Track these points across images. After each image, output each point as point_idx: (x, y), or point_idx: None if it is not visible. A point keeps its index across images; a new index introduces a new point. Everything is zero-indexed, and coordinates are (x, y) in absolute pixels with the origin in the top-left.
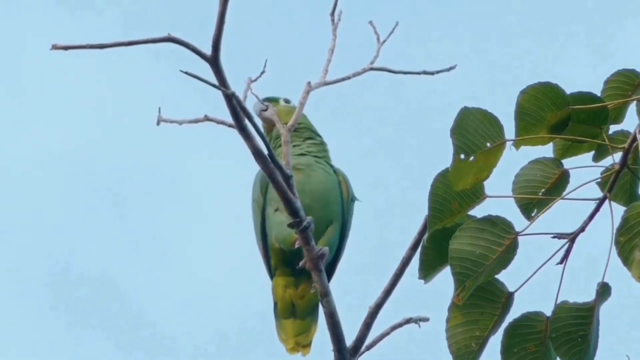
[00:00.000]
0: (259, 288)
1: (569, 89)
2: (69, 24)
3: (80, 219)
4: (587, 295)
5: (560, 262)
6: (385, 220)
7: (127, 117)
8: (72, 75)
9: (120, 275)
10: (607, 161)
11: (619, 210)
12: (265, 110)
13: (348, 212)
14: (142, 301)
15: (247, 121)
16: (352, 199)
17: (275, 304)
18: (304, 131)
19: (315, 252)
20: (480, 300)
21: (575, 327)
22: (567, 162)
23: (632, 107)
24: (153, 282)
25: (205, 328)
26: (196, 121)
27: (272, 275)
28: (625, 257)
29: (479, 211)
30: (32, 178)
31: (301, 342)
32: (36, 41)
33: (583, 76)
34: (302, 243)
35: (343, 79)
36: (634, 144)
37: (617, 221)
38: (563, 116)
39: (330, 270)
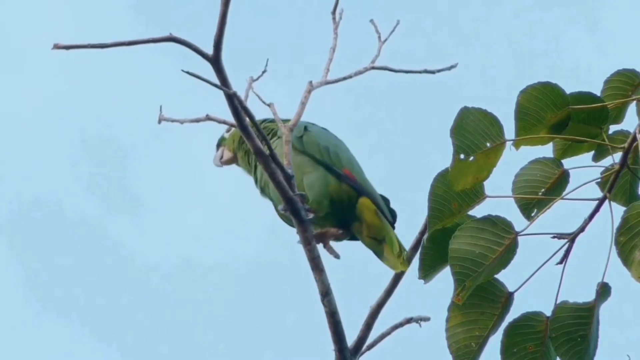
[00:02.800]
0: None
1: (569, 86)
2: None
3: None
4: (587, 295)
5: (560, 262)
6: None
7: (127, 114)
8: (71, 70)
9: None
10: (607, 161)
11: (619, 210)
12: (222, 158)
13: (306, 148)
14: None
15: (248, 120)
16: (300, 136)
17: (376, 254)
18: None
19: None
20: (480, 300)
21: (575, 327)
22: (567, 162)
23: (632, 107)
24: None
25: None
26: (197, 120)
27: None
28: (625, 257)
29: (478, 211)
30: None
31: (402, 257)
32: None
33: (584, 73)
34: (303, 244)
35: (344, 78)
36: (634, 144)
37: (617, 221)
38: (563, 116)
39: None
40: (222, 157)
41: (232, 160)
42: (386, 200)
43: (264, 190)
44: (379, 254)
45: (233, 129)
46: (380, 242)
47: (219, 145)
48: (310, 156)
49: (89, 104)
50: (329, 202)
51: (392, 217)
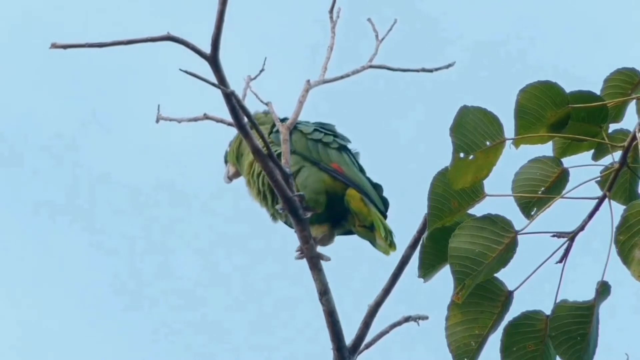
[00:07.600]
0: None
1: (568, 86)
2: None
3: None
4: (586, 294)
5: (560, 261)
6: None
7: (125, 114)
8: (70, 69)
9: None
10: (607, 160)
11: (618, 208)
12: (229, 174)
13: (295, 147)
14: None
15: (246, 119)
16: (291, 133)
17: (370, 242)
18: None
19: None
20: (480, 299)
21: (575, 325)
22: (566, 161)
23: (632, 105)
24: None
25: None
26: (195, 119)
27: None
28: (625, 255)
29: (478, 210)
30: None
31: (388, 240)
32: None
33: (583, 72)
34: (301, 242)
35: (342, 77)
36: (634, 143)
37: (617, 220)
38: (563, 115)
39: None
40: (228, 173)
41: (238, 174)
42: (379, 188)
43: (263, 198)
44: (373, 241)
45: (232, 144)
46: (371, 230)
47: (225, 161)
48: (300, 154)
49: (87, 102)
50: (325, 199)
51: (384, 205)
